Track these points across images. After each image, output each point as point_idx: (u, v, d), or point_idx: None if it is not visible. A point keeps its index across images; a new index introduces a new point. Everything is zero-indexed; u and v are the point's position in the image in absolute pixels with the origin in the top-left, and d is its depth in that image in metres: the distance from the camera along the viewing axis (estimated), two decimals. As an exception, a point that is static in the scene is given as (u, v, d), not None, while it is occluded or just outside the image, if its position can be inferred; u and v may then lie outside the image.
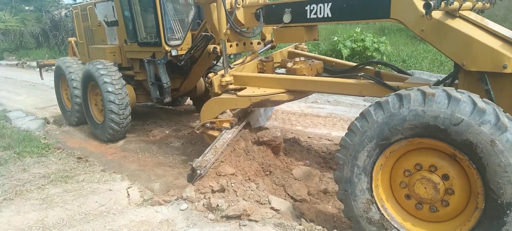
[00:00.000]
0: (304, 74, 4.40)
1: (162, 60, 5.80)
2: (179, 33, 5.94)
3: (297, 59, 4.65)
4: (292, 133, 6.46)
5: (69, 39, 8.85)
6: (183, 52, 5.80)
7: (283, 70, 5.04)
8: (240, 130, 4.63)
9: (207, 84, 4.74)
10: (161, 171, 5.46)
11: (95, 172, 4.89)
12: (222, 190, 3.81)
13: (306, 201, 4.01)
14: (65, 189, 4.26)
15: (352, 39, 11.05)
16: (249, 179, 4.09)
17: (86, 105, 6.86)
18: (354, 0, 3.62)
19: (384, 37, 11.51)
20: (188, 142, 6.48)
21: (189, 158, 5.80)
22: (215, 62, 6.33)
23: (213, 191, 3.85)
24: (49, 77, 14.75)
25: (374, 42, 10.74)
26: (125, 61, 6.68)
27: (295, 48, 5.69)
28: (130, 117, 6.32)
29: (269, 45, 5.60)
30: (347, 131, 3.02)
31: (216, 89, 4.64)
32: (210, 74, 4.65)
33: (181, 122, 7.73)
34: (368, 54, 10.57)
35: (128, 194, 4.17)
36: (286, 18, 4.11)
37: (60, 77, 7.95)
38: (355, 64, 4.90)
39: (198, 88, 7.22)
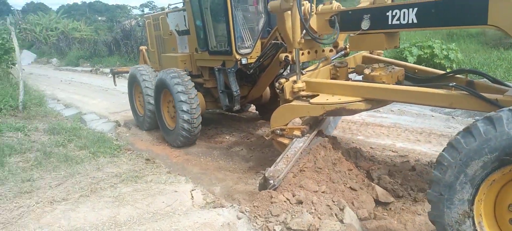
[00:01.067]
0: (384, 82, 4.12)
1: (232, 69, 5.88)
2: (248, 41, 6.03)
3: (375, 65, 4.40)
4: (353, 142, 6.31)
5: (141, 47, 9.38)
6: (253, 60, 5.86)
7: (358, 77, 4.86)
8: (312, 139, 4.47)
9: (278, 90, 4.67)
10: (222, 175, 5.60)
11: (161, 173, 5.13)
12: (299, 202, 3.69)
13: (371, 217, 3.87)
14: (135, 188, 4.51)
15: (418, 46, 10.54)
16: (324, 191, 3.93)
17: (159, 112, 7.13)
18: (445, 4, 3.30)
19: (453, 44, 10.86)
20: (248, 148, 6.60)
21: (249, 164, 5.90)
22: (282, 70, 6.26)
23: (290, 202, 3.72)
24: (120, 83, 15.86)
25: (443, 49, 10.17)
26: (195, 69, 6.90)
27: (371, 53, 5.48)
28: (200, 124, 6.50)
29: (342, 52, 5.44)
30: (463, 132, 2.67)
31: (288, 95, 4.52)
32: (282, 80, 4.56)
33: (242, 128, 7.88)
34: (436, 62, 10.03)
35: (192, 196, 4.31)
36: (365, 24, 3.92)
37: (134, 84, 8.33)
38: (443, 72, 4.51)
39: (263, 96, 7.32)
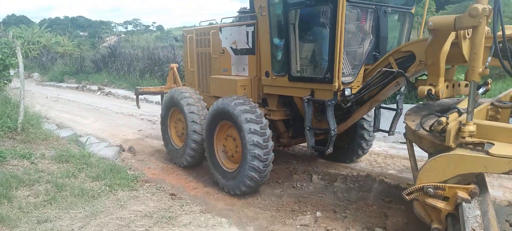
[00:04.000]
0: None
1: (332, 101, 4.69)
2: (347, 67, 4.92)
3: None
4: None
5: (171, 65, 8.51)
6: (354, 91, 4.82)
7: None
8: (488, 204, 3.37)
9: (434, 133, 3.59)
10: (252, 213, 5.09)
11: (194, 212, 4.60)
12: None
13: None
14: (175, 233, 3.95)
15: None
16: None
17: (211, 149, 5.81)
18: None
19: None
20: (274, 181, 6.09)
21: (281, 201, 5.40)
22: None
23: None
24: (109, 102, 15.12)
25: None
26: (256, 96, 5.83)
27: None
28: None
29: (484, 89, 4.45)
30: None
31: (451, 141, 3.36)
32: (443, 119, 3.50)
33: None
34: None
35: (242, 244, 3.78)
36: None
37: (171, 110, 6.95)
38: None
39: None
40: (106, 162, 6.29)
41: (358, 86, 4.82)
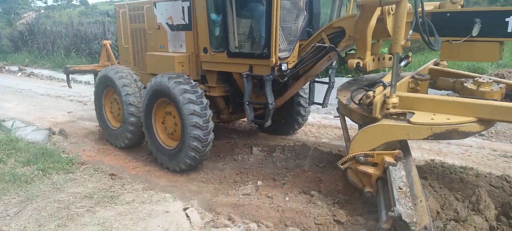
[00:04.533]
0: (495, 99, 3.63)
1: (270, 76, 4.78)
2: (283, 43, 5.04)
3: (480, 79, 3.90)
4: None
5: (104, 42, 8.02)
6: (290, 66, 4.94)
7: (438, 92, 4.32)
8: (412, 165, 3.70)
9: (363, 106, 3.86)
10: (195, 187, 5.20)
11: (137, 190, 4.59)
12: None
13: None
14: (118, 211, 3.94)
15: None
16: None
17: (150, 127, 5.75)
18: None
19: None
20: (216, 155, 6.22)
21: (223, 173, 5.55)
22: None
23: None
24: (35, 83, 14.08)
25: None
26: (195, 73, 5.77)
27: (436, 65, 4.95)
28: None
29: (406, 62, 4.68)
30: None
31: (377, 113, 3.66)
32: (370, 93, 3.75)
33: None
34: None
35: (188, 216, 3.90)
36: (476, 30, 3.45)
37: (105, 89, 6.72)
38: None
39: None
40: (36, 146, 5.97)
41: (293, 62, 4.94)
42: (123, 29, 6.98)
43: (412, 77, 4.38)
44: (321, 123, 7.96)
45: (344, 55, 4.78)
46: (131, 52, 6.96)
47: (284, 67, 4.78)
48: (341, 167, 3.85)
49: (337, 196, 4.50)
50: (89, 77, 14.37)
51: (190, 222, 3.81)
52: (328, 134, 7.17)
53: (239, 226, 3.76)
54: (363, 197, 4.02)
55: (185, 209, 4.05)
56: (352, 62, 4.21)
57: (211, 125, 5.20)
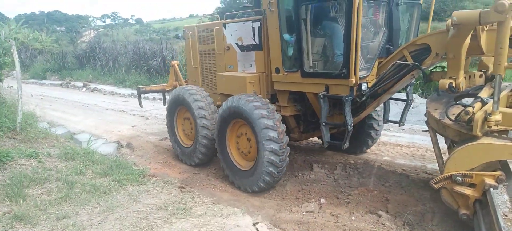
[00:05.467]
0: None
1: (350, 97, 4.64)
2: (361, 61, 4.81)
3: None
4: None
5: (173, 62, 8.48)
6: (370, 85, 4.81)
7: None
8: None
9: (461, 122, 3.71)
10: (258, 202, 5.30)
11: (206, 203, 4.78)
12: None
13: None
14: (193, 224, 4.14)
15: None
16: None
17: (224, 148, 5.74)
18: None
19: None
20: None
21: (285, 189, 5.60)
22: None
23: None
24: (98, 98, 15.00)
25: None
26: (265, 92, 5.78)
27: None
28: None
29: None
30: None
31: (478, 130, 3.51)
32: (469, 109, 3.59)
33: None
34: None
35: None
36: None
37: (177, 108, 6.86)
38: None
39: None
40: (110, 159, 6.39)
41: (372, 80, 4.82)
42: (192, 50, 7.18)
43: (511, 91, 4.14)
44: (380, 140, 7.82)
45: (428, 73, 4.65)
46: (200, 72, 7.12)
47: (364, 87, 4.64)
48: (435, 186, 3.69)
49: (407, 217, 4.42)
50: (149, 94, 15.19)
51: (261, 237, 3.91)
52: (389, 151, 7.04)
53: (311, 243, 3.81)
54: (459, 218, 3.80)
55: (254, 224, 4.16)
56: (444, 83, 4.10)
57: (287, 150, 5.13)
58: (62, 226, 4.08)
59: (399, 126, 6.00)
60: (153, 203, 4.73)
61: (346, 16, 4.33)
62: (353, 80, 4.48)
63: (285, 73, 5.29)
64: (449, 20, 3.82)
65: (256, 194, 5.57)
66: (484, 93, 4.01)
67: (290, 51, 5.21)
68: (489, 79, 4.58)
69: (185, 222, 4.15)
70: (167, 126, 7.15)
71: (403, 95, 5.81)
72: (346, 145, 4.98)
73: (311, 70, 4.99)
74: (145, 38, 31.08)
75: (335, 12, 4.88)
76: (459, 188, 3.57)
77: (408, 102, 5.73)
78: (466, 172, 3.52)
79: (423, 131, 5.41)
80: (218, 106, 6.26)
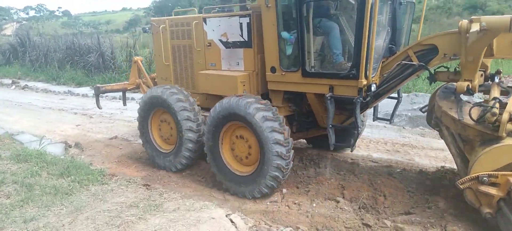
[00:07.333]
0: None
1: (361, 98, 4.49)
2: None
3: None
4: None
5: (135, 58, 7.93)
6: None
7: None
8: None
9: (486, 124, 3.76)
10: (221, 196, 5.45)
11: (176, 198, 4.87)
12: None
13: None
14: (169, 218, 4.23)
15: None
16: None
17: (216, 152, 5.30)
18: None
19: None
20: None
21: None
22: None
23: None
24: (30, 96, 14.04)
25: None
26: (256, 92, 5.50)
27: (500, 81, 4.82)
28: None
29: (498, 77, 4.67)
30: None
31: (502, 131, 3.62)
32: (495, 110, 3.66)
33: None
34: None
35: (233, 222, 4.22)
36: None
37: (153, 111, 6.22)
38: None
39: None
40: (66, 159, 6.17)
41: (376, 81, 4.78)
42: (163, 45, 6.62)
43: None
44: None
45: (433, 72, 4.76)
46: (173, 69, 6.67)
47: (373, 87, 4.57)
48: (460, 186, 3.78)
49: (361, 201, 4.90)
50: (86, 90, 14.54)
51: (236, 227, 4.13)
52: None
53: (282, 229, 4.10)
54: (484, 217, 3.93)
55: (227, 215, 4.36)
56: (462, 85, 4.20)
57: (293, 153, 4.94)
58: (31, 228, 3.96)
59: (390, 123, 6.09)
60: (122, 201, 4.72)
61: (359, 13, 4.20)
62: (364, 81, 4.39)
63: (282, 73, 5.05)
64: (462, 22, 4.04)
65: (219, 187, 5.72)
66: (496, 93, 4.17)
67: (289, 50, 5.01)
68: (488, 78, 4.74)
69: (160, 218, 4.24)
70: (140, 130, 6.49)
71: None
72: (354, 147, 5.04)
73: (313, 70, 4.83)
74: (74, 31, 29.37)
75: (341, 9, 4.84)
76: (484, 188, 3.68)
77: (398, 100, 5.78)
78: (492, 173, 3.64)
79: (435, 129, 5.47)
80: None
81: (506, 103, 3.74)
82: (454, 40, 4.25)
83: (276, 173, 4.81)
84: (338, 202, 4.97)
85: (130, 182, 5.57)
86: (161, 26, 6.55)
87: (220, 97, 5.38)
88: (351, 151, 5.06)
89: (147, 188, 5.35)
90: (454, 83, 4.58)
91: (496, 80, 4.56)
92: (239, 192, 5.23)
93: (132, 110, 11.61)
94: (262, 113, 4.72)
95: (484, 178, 3.64)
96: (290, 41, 4.92)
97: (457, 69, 4.54)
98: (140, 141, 6.77)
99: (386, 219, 4.49)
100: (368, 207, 4.82)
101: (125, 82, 8.56)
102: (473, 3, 27.47)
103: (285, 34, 4.93)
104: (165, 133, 6.26)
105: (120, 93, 9.58)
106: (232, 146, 5.33)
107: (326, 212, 4.74)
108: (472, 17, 3.96)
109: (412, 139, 7.64)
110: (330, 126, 4.83)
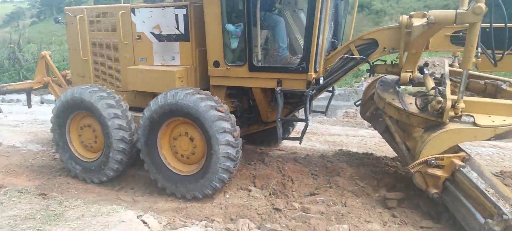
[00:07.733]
0: None
1: (312, 91, 4.54)
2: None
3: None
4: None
5: (43, 53, 6.98)
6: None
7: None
8: (480, 165, 3.94)
9: (433, 111, 3.96)
10: (129, 199, 5.22)
11: (80, 205, 4.52)
12: None
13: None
14: (72, 227, 3.89)
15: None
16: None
17: (155, 154, 4.94)
18: None
19: None
20: (141, 164, 6.23)
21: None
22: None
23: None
24: None
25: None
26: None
27: (451, 66, 5.12)
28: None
29: (426, 68, 4.89)
30: None
31: (446, 117, 3.89)
32: (439, 98, 3.89)
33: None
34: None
35: (145, 222, 4.07)
36: None
37: (72, 115, 5.54)
38: None
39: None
40: None
41: (322, 74, 4.92)
42: (81, 38, 5.93)
43: (451, 80, 4.55)
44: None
45: (372, 65, 5.06)
46: (92, 65, 6.02)
47: (322, 81, 4.68)
48: (412, 170, 3.99)
49: (272, 188, 5.11)
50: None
51: (149, 227, 3.99)
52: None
53: (197, 224, 4.07)
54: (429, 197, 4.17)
55: (139, 217, 4.18)
56: (405, 76, 4.51)
57: (241, 141, 4.80)
58: None
59: (324, 115, 6.35)
60: (15, 214, 4.22)
61: (310, 7, 4.24)
62: (314, 75, 4.43)
63: (227, 68, 4.90)
64: (402, 17, 4.30)
65: (126, 189, 5.48)
66: (431, 83, 4.40)
67: (234, 43, 4.85)
68: (421, 69, 4.94)
69: (62, 228, 3.88)
70: (55, 140, 5.75)
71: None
72: (302, 140, 5.14)
73: (260, 64, 4.75)
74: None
75: (285, 4, 4.92)
76: (431, 170, 3.93)
77: (332, 93, 5.97)
78: (438, 156, 3.90)
79: (380, 119, 5.23)
80: None
81: (444, 92, 4.00)
82: (393, 35, 4.54)
83: (228, 164, 4.62)
84: (250, 190, 5.11)
85: (22, 192, 5.01)
86: (78, 16, 5.83)
87: (153, 95, 5.02)
88: (300, 143, 5.21)
89: (43, 197, 4.86)
90: (390, 75, 4.96)
91: (426, 71, 4.79)
92: (187, 192, 4.91)
93: (17, 113, 10.45)
94: (205, 103, 4.51)
95: (432, 161, 3.88)
96: (236, 34, 4.78)
97: (394, 62, 4.90)
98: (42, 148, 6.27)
99: (294, 201, 4.76)
100: (278, 193, 5.04)
101: (30, 81, 7.47)
102: (360, 3, 30.25)
103: (230, 27, 4.77)
104: (87, 139, 5.64)
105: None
106: (173, 145, 5.03)
107: (239, 202, 4.84)
108: (412, 13, 4.26)
109: (312, 127, 8.18)
110: (279, 119, 4.80)
